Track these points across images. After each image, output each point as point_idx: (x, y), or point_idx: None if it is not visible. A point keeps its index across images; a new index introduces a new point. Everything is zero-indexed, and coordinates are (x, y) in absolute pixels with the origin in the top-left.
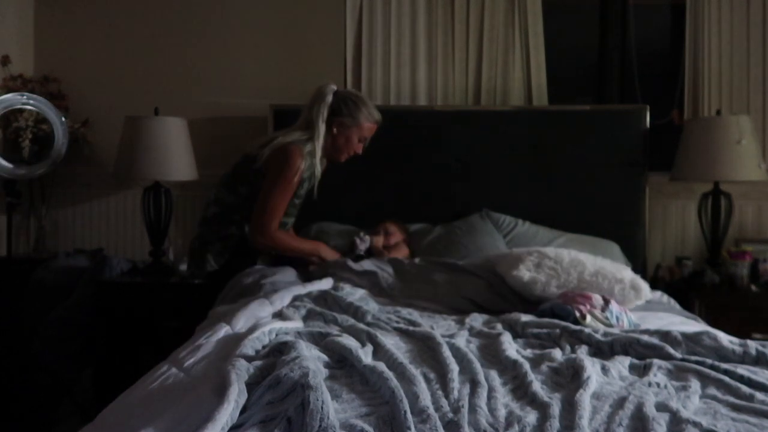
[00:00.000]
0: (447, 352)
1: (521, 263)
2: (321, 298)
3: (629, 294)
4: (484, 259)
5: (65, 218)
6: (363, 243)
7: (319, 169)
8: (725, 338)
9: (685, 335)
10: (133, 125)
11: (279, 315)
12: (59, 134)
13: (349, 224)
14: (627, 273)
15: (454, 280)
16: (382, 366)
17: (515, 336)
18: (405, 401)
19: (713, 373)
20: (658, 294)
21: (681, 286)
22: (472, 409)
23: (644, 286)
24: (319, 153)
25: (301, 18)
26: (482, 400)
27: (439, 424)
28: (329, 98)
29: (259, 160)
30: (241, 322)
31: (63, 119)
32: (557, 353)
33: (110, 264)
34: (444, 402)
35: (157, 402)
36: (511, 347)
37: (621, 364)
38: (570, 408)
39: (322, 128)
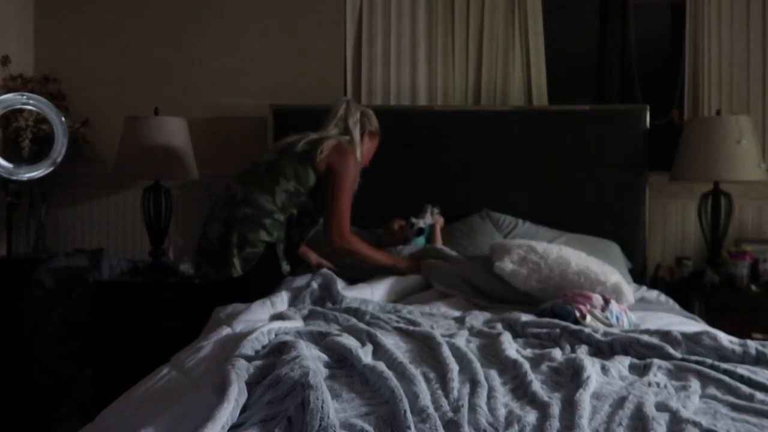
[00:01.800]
0: (447, 352)
1: (507, 255)
2: (320, 299)
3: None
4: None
5: (65, 218)
6: (430, 216)
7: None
8: (725, 338)
9: (685, 335)
10: (133, 125)
11: (279, 316)
12: (59, 134)
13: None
14: (612, 276)
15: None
16: (381, 365)
17: (515, 336)
18: (405, 401)
19: (713, 373)
20: (656, 294)
21: (681, 286)
22: (472, 408)
23: (627, 291)
24: (359, 160)
25: (301, 18)
26: (482, 400)
27: (438, 423)
28: (359, 113)
29: (318, 156)
30: (242, 324)
31: (63, 119)
32: (557, 353)
33: (110, 264)
34: (444, 401)
35: (158, 402)
36: (510, 347)
37: (621, 363)
38: (570, 408)
39: (358, 137)
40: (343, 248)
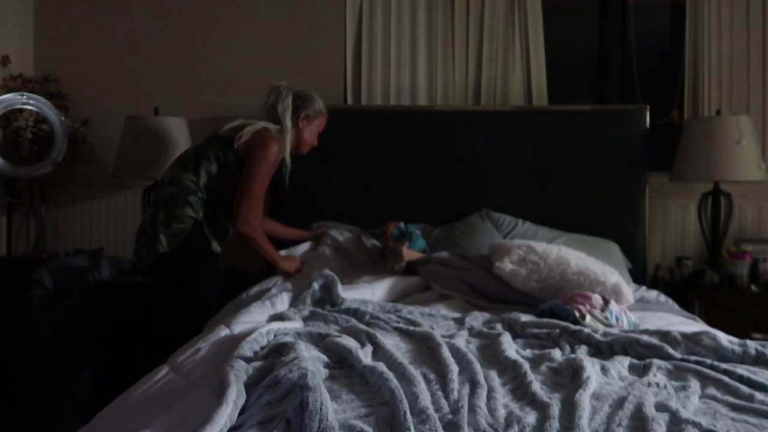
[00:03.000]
0: (447, 353)
1: (506, 255)
2: (321, 301)
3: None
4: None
5: (65, 218)
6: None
7: (289, 160)
8: (725, 338)
9: (684, 335)
10: (133, 125)
11: (279, 317)
12: (59, 134)
13: (349, 224)
14: (612, 277)
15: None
16: (381, 366)
17: (515, 336)
18: (405, 402)
19: (713, 373)
20: (655, 294)
21: (681, 286)
22: (472, 409)
23: (627, 291)
24: (288, 146)
25: (301, 18)
26: (482, 401)
27: (438, 424)
28: (290, 97)
29: (237, 141)
30: (240, 325)
31: (63, 119)
32: (557, 353)
33: (110, 264)
34: (444, 402)
35: (155, 404)
36: (510, 347)
37: (620, 364)
38: (570, 408)
39: (289, 124)
40: (245, 233)
